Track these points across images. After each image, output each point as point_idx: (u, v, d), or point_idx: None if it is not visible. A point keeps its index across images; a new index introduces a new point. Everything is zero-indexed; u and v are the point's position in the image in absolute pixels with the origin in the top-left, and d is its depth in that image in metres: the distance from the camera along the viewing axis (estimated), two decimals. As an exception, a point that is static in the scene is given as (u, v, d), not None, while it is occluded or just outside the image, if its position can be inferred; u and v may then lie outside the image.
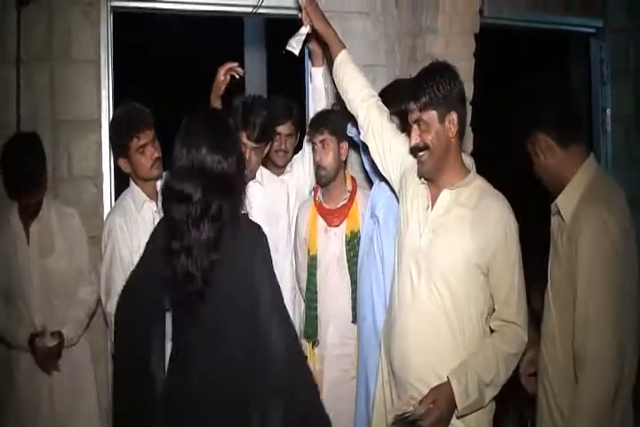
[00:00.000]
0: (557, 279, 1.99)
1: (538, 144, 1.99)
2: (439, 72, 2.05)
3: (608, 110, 3.94)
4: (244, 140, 2.56)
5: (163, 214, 1.92)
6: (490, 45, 3.08)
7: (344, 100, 2.46)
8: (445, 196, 2.05)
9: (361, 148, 2.77)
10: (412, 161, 2.18)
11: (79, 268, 2.79)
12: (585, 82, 4.17)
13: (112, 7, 3.13)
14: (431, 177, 2.09)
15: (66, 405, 2.71)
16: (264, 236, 1.94)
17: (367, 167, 2.81)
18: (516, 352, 2.00)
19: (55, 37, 3.05)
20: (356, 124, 2.51)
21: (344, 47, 2.48)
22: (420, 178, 2.13)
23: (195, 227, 1.82)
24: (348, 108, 2.45)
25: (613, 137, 3.95)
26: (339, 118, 2.74)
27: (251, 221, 1.97)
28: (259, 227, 1.95)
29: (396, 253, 2.19)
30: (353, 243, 2.67)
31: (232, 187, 1.87)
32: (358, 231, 2.67)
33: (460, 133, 2.06)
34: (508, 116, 2.08)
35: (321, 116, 2.77)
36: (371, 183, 2.80)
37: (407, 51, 3.13)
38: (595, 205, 1.89)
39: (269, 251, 1.95)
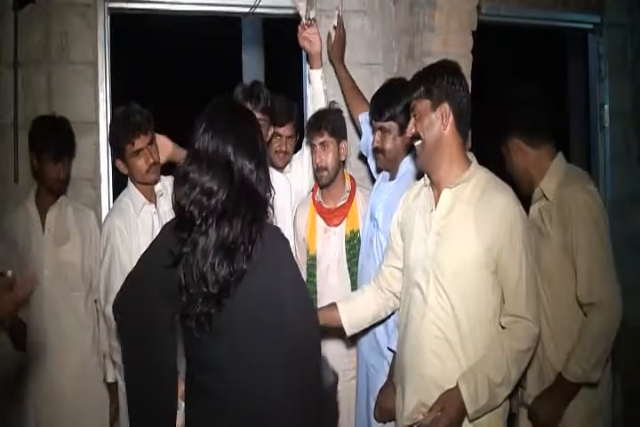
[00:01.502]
0: (547, 263, 2.17)
1: (511, 146, 2.30)
2: (439, 65, 2.07)
3: (606, 106, 3.92)
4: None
5: (175, 206, 1.72)
6: (488, 42, 3.07)
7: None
8: (446, 195, 2.00)
9: (369, 158, 2.78)
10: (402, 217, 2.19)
11: (91, 266, 2.79)
12: (583, 78, 4.17)
13: (109, 9, 3.13)
14: (428, 172, 2.05)
15: (73, 407, 2.71)
16: (288, 242, 1.79)
17: (373, 172, 2.82)
18: (528, 348, 1.94)
19: (52, 39, 3.05)
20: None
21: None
22: (423, 179, 2.10)
23: (212, 228, 1.65)
24: None
25: (611, 133, 3.93)
26: (337, 118, 2.74)
27: (274, 226, 1.78)
28: (282, 233, 1.78)
29: (403, 267, 2.13)
30: (353, 242, 2.66)
31: (255, 192, 1.71)
32: (358, 231, 2.67)
33: (461, 130, 2.01)
34: (490, 123, 2.32)
35: (319, 116, 2.73)
36: (373, 181, 2.81)
37: (405, 48, 3.13)
38: (577, 181, 2.20)
39: (294, 258, 1.83)
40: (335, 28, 2.99)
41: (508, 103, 2.37)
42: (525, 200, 2.19)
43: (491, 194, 1.96)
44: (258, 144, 1.75)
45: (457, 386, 1.89)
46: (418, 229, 2.05)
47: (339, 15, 3.01)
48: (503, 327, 1.96)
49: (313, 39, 2.76)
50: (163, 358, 1.77)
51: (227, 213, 1.64)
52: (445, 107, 1.97)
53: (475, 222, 1.93)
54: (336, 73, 3.04)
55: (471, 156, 2.08)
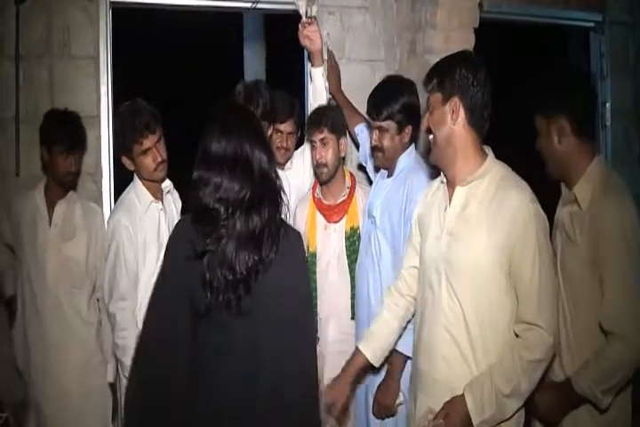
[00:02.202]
0: (572, 269, 2.04)
1: (554, 128, 2.08)
2: (453, 57, 1.98)
3: (608, 104, 3.93)
4: None
5: (195, 208, 1.75)
6: (489, 40, 3.07)
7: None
8: (459, 193, 1.91)
9: (367, 153, 2.78)
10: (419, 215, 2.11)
11: (95, 263, 2.77)
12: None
13: (111, 3, 3.13)
14: (441, 168, 1.98)
15: (76, 403, 2.71)
16: (302, 240, 1.89)
17: (369, 172, 2.82)
18: (541, 358, 1.80)
19: (54, 33, 3.05)
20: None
21: None
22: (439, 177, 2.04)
23: (240, 221, 1.70)
24: None
25: (613, 131, 3.94)
26: (337, 115, 2.75)
27: (289, 224, 1.87)
28: (298, 232, 1.90)
29: (420, 265, 2.07)
30: (353, 239, 2.66)
31: (274, 184, 1.79)
32: (358, 227, 2.67)
33: (474, 125, 1.90)
34: (527, 96, 2.14)
35: (319, 113, 2.73)
36: (371, 182, 2.81)
37: (406, 45, 3.13)
38: (614, 193, 2.03)
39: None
40: (327, 60, 2.99)
41: (563, 82, 2.16)
42: (543, 196, 2.00)
43: (504, 191, 1.85)
44: (267, 140, 1.85)
45: (463, 394, 1.82)
46: (433, 226, 1.99)
47: (329, 50, 3.04)
48: (517, 335, 1.85)
49: (314, 37, 2.76)
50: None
51: (253, 205, 1.71)
52: (455, 101, 1.88)
53: (487, 221, 1.84)
54: (334, 99, 3.01)
55: (488, 150, 1.97)
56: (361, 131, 2.86)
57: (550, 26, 3.96)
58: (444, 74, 1.91)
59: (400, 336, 2.24)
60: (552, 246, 1.94)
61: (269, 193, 1.76)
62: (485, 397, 1.79)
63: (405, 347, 2.28)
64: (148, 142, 2.48)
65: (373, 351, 2.18)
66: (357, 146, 2.98)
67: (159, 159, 2.52)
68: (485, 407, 1.79)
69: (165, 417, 1.70)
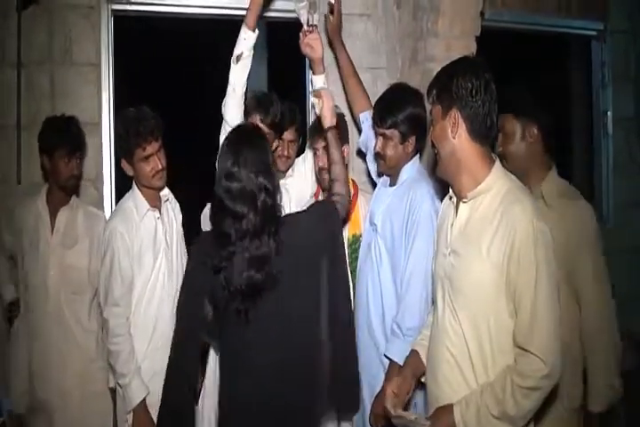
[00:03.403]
0: None
1: (527, 133, 2.28)
2: (451, 66, 1.88)
3: (609, 113, 3.94)
4: (257, 122, 2.53)
5: (213, 226, 2.07)
6: (491, 48, 3.07)
7: None
8: (463, 209, 1.83)
9: (367, 156, 2.77)
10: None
11: (97, 270, 2.73)
12: (586, 85, 4.17)
13: (112, 10, 3.14)
14: (448, 182, 1.90)
15: (78, 410, 2.71)
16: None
17: (373, 175, 2.81)
18: (532, 386, 1.68)
19: (56, 41, 3.06)
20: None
21: None
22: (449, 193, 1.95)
23: (249, 242, 2.01)
24: None
25: (614, 140, 3.94)
26: (339, 122, 2.73)
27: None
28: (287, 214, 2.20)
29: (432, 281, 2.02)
30: (355, 247, 2.65)
31: (276, 207, 2.08)
32: (361, 235, 2.66)
33: (477, 136, 1.81)
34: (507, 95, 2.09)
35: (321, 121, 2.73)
36: (374, 185, 2.80)
37: (408, 53, 3.13)
38: (579, 196, 2.25)
39: None
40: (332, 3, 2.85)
41: (537, 96, 2.34)
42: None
43: (506, 207, 1.74)
44: (273, 168, 2.10)
45: (452, 406, 1.78)
46: (442, 243, 1.91)
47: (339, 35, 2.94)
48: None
49: (315, 45, 2.74)
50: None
51: (256, 232, 2.00)
52: (455, 113, 1.79)
53: (486, 239, 1.74)
54: (336, 59, 2.95)
55: (497, 160, 1.88)
56: (366, 118, 2.79)
57: (552, 34, 3.97)
58: (442, 85, 1.83)
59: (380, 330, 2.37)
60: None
61: (271, 218, 2.04)
62: (472, 412, 1.73)
63: (402, 357, 2.27)
64: (150, 149, 2.48)
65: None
66: (360, 131, 2.92)
67: (159, 167, 2.52)
68: (469, 423, 1.74)
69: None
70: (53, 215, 2.75)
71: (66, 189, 2.76)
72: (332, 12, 2.85)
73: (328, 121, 2.42)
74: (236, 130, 2.16)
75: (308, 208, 2.27)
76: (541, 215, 1.75)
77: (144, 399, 2.43)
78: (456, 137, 1.81)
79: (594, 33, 3.93)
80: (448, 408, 1.78)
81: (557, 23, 3.82)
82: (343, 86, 3.01)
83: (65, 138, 2.70)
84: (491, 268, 1.72)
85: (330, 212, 2.18)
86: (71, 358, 2.71)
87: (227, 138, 2.13)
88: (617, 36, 3.93)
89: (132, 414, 2.45)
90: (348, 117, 2.95)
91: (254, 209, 2.00)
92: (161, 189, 2.62)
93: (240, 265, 1.99)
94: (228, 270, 2.00)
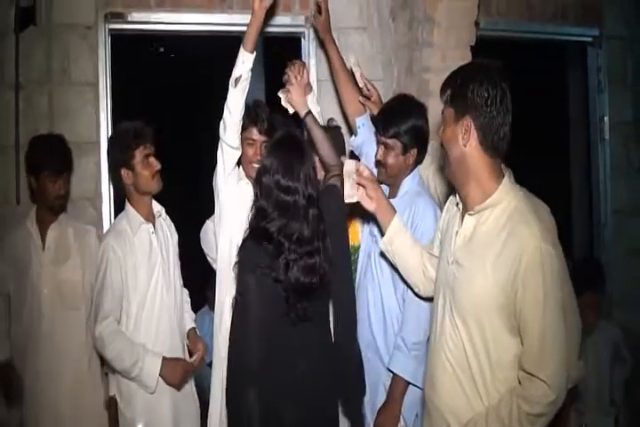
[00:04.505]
0: None
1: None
2: (470, 69, 1.83)
3: (606, 118, 3.93)
4: (255, 135, 2.56)
5: (260, 236, 2.12)
6: (487, 57, 3.07)
7: (400, 270, 2.23)
8: (469, 222, 1.79)
9: (362, 161, 2.76)
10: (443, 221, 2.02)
11: (92, 284, 2.75)
12: (582, 90, 4.17)
13: (110, 30, 3.16)
14: (455, 186, 1.87)
15: (70, 407, 2.71)
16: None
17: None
18: (539, 413, 1.66)
19: (54, 61, 3.08)
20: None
21: (395, 212, 2.22)
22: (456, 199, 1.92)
23: (303, 247, 2.11)
24: (404, 276, 2.23)
25: (611, 145, 3.94)
26: (335, 135, 2.73)
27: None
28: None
29: (435, 284, 1.98)
30: (353, 258, 2.64)
31: (321, 214, 2.16)
32: (359, 246, 2.65)
33: (488, 148, 1.76)
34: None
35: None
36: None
37: (404, 64, 3.14)
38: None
39: None
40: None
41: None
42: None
43: (513, 226, 1.68)
44: (312, 172, 2.16)
45: None
46: (446, 249, 1.88)
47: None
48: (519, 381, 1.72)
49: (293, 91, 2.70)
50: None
51: (309, 240, 2.10)
52: (468, 121, 1.74)
53: (491, 258, 1.70)
54: (328, 58, 2.93)
55: (507, 174, 1.82)
56: (362, 124, 2.76)
57: (547, 41, 3.98)
58: (458, 89, 1.76)
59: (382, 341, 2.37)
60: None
61: (321, 228, 2.14)
62: None
63: (406, 371, 2.28)
64: (148, 148, 2.54)
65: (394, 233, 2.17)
66: (351, 133, 2.90)
67: (158, 166, 2.56)
68: None
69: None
70: (44, 233, 2.76)
71: (54, 208, 2.77)
72: (319, 11, 2.86)
73: (300, 109, 2.49)
74: (280, 142, 2.20)
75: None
76: (549, 237, 1.71)
77: (162, 365, 2.45)
78: (467, 145, 1.76)
79: (589, 39, 3.93)
80: None
81: (553, 30, 3.82)
82: (336, 91, 2.99)
83: (52, 158, 2.71)
84: (494, 285, 1.69)
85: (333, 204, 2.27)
86: (63, 375, 2.70)
87: (273, 149, 2.18)
88: (613, 42, 3.93)
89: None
90: (344, 130, 2.95)
91: (306, 221, 2.10)
92: (157, 191, 2.63)
93: (296, 272, 2.08)
94: (286, 279, 2.08)
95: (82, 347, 2.76)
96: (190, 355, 2.67)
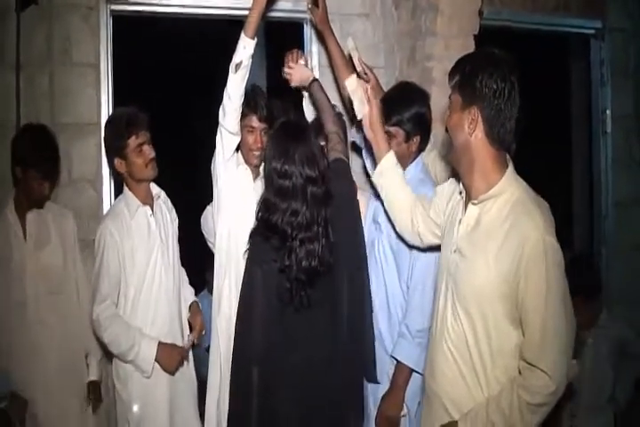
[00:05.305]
0: None
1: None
2: (481, 57, 1.82)
3: (608, 111, 3.93)
4: (255, 123, 2.56)
5: (265, 228, 2.15)
6: (490, 46, 3.07)
7: (387, 208, 2.27)
8: (472, 211, 1.79)
9: (363, 152, 2.77)
10: (448, 192, 2.03)
11: (75, 266, 2.82)
12: (585, 83, 4.17)
13: (112, 11, 3.14)
14: (458, 173, 1.87)
15: (57, 405, 2.72)
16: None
17: (370, 170, 2.80)
18: (540, 403, 1.67)
19: (55, 41, 3.06)
20: (359, 128, 2.54)
21: (389, 150, 2.26)
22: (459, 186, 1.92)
23: (304, 237, 2.13)
24: (392, 217, 2.27)
25: (613, 138, 3.94)
26: (338, 121, 2.72)
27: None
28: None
29: (437, 271, 2.00)
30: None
31: (325, 192, 2.17)
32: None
33: (494, 139, 1.76)
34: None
35: (319, 122, 2.68)
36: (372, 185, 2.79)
37: (406, 52, 3.13)
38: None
39: None
40: None
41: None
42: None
43: (515, 217, 1.69)
44: (320, 157, 2.19)
45: (457, 422, 1.77)
46: (447, 236, 1.89)
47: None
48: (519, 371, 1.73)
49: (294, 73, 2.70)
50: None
51: (308, 224, 2.12)
52: (475, 111, 1.74)
53: (493, 249, 1.71)
54: (326, 49, 2.91)
55: (510, 165, 1.82)
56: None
57: (550, 33, 3.97)
58: (467, 77, 1.76)
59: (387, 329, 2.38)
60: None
61: (322, 205, 2.15)
62: None
63: (410, 359, 2.28)
64: (142, 137, 2.54)
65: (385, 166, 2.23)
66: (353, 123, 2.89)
67: (152, 155, 2.56)
68: None
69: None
70: (22, 219, 2.73)
71: (36, 203, 2.75)
72: (316, 4, 2.83)
73: (307, 83, 2.60)
74: (277, 131, 2.24)
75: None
76: (552, 229, 1.71)
77: (157, 349, 2.47)
78: (472, 135, 1.77)
79: (592, 31, 3.92)
80: (452, 424, 1.77)
81: (556, 22, 3.81)
82: (337, 84, 2.98)
83: (42, 158, 2.67)
84: (496, 276, 1.70)
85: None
86: (50, 354, 2.70)
87: (272, 137, 2.24)
88: (616, 35, 3.92)
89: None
90: (345, 117, 2.95)
91: (305, 203, 2.12)
92: (152, 178, 2.63)
93: (298, 257, 2.11)
94: (289, 267, 2.12)
95: (67, 331, 2.76)
96: (190, 329, 2.70)
